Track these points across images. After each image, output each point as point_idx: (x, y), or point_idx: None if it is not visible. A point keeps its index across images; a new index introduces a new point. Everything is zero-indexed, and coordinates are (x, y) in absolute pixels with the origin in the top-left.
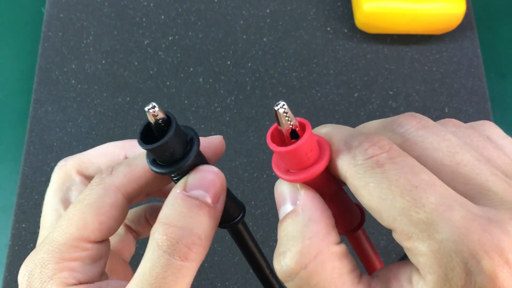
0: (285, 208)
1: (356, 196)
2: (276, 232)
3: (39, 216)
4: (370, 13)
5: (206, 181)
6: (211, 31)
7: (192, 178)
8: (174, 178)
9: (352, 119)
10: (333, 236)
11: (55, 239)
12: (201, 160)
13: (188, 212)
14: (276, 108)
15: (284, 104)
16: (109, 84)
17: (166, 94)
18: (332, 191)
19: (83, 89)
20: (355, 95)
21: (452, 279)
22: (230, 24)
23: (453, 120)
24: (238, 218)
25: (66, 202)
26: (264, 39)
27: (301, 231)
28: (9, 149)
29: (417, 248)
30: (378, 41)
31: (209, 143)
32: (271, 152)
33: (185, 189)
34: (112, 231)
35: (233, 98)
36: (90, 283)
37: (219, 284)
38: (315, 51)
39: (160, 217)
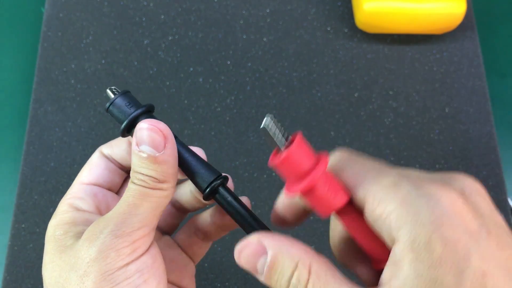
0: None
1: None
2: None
3: (39, 216)
4: (370, 13)
5: (144, 136)
6: (211, 31)
7: (137, 135)
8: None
9: (352, 119)
10: None
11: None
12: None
13: (140, 163)
14: (262, 126)
15: (270, 119)
16: (109, 84)
17: (166, 94)
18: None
19: (82, 89)
20: (355, 95)
21: (422, 218)
22: (230, 24)
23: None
24: (215, 182)
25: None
26: (264, 39)
27: None
28: (9, 149)
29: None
30: (378, 41)
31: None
32: (271, 152)
33: (137, 145)
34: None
35: (233, 98)
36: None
37: (219, 284)
38: (315, 51)
39: (131, 167)
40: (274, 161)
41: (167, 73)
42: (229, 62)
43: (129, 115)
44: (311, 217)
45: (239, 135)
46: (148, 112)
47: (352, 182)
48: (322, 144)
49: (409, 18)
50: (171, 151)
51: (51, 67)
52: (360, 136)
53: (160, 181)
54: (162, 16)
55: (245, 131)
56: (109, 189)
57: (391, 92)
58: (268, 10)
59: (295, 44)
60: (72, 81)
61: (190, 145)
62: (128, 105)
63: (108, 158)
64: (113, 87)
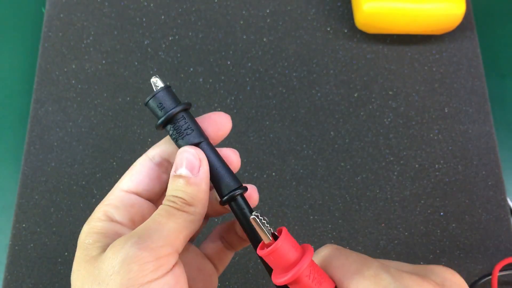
0: None
1: None
2: None
3: (39, 216)
4: (370, 13)
5: (182, 160)
6: (211, 31)
7: (177, 160)
8: (172, 136)
9: (352, 119)
10: None
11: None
12: (194, 124)
13: (174, 185)
14: (251, 217)
15: (258, 215)
16: (109, 84)
17: None
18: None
19: (83, 89)
20: (355, 95)
21: None
22: (230, 24)
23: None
24: (234, 192)
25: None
26: (264, 39)
27: None
28: (10, 149)
29: None
30: (378, 41)
31: (210, 118)
32: (271, 152)
33: (174, 170)
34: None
35: (233, 98)
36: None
37: (219, 284)
38: (315, 51)
39: (166, 193)
40: (261, 252)
41: (168, 73)
42: (229, 62)
43: (167, 112)
44: (311, 217)
45: (239, 135)
46: (185, 110)
47: (337, 274)
48: (322, 144)
49: (409, 19)
50: (204, 175)
51: (51, 67)
52: (359, 136)
53: (188, 204)
54: (163, 17)
55: (245, 131)
56: (148, 199)
57: (390, 92)
58: (268, 11)
59: (295, 45)
60: (73, 81)
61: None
62: (168, 100)
63: (153, 161)
64: (157, 78)
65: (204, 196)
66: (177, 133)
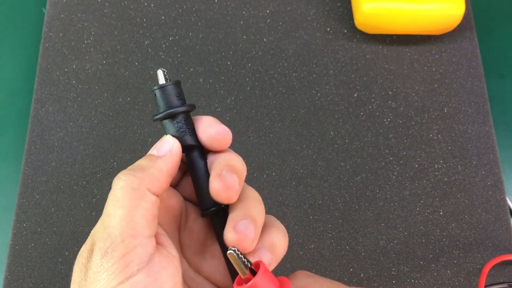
0: None
1: None
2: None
3: (40, 216)
4: (369, 14)
5: (157, 144)
6: (211, 31)
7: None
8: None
9: (351, 119)
10: None
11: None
12: (191, 128)
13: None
14: (228, 253)
15: (235, 250)
16: (110, 84)
17: None
18: None
19: (83, 89)
20: (355, 95)
21: None
22: (230, 24)
23: None
24: (211, 209)
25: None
26: (264, 40)
27: None
28: (10, 149)
29: None
30: (378, 42)
31: (212, 137)
32: (271, 152)
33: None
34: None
35: (233, 98)
36: None
37: None
38: (315, 52)
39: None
40: (239, 287)
41: (168, 73)
42: (229, 63)
43: (171, 108)
44: (311, 217)
45: (239, 135)
46: (187, 112)
47: None
48: (321, 144)
49: (408, 19)
50: (168, 159)
51: (52, 67)
52: (359, 136)
53: (141, 169)
54: (163, 17)
55: (245, 131)
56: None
57: (390, 93)
58: (268, 11)
59: (295, 45)
60: (73, 82)
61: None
62: (176, 96)
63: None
64: (165, 71)
65: (160, 174)
66: (175, 131)
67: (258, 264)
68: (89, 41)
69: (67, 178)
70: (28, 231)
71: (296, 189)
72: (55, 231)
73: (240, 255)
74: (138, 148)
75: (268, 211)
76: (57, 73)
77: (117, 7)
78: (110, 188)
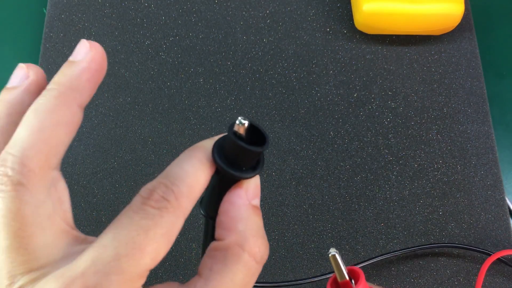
0: None
1: None
2: (276, 232)
3: None
4: (369, 14)
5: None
6: (211, 32)
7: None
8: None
9: (351, 119)
10: None
11: None
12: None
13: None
14: (331, 255)
15: (336, 252)
16: (110, 84)
17: (166, 95)
18: None
19: None
20: (355, 95)
21: None
22: (230, 25)
23: None
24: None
25: None
26: (264, 40)
27: None
28: None
29: None
30: (377, 42)
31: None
32: (271, 152)
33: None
34: None
35: (233, 98)
36: None
37: None
38: (315, 52)
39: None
40: None
41: (168, 73)
42: (229, 63)
43: (238, 173)
44: (311, 217)
45: None
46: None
47: None
48: (321, 144)
49: (408, 19)
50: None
51: (53, 68)
52: (359, 136)
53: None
54: (163, 18)
55: None
56: None
57: (390, 93)
58: (268, 11)
59: (295, 45)
60: None
61: (191, 144)
62: (250, 159)
63: None
64: (247, 122)
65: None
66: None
67: (352, 270)
68: None
69: (67, 178)
70: None
71: (296, 189)
72: None
73: (342, 259)
74: (138, 148)
75: (268, 211)
76: None
77: (117, 7)
78: (110, 188)
